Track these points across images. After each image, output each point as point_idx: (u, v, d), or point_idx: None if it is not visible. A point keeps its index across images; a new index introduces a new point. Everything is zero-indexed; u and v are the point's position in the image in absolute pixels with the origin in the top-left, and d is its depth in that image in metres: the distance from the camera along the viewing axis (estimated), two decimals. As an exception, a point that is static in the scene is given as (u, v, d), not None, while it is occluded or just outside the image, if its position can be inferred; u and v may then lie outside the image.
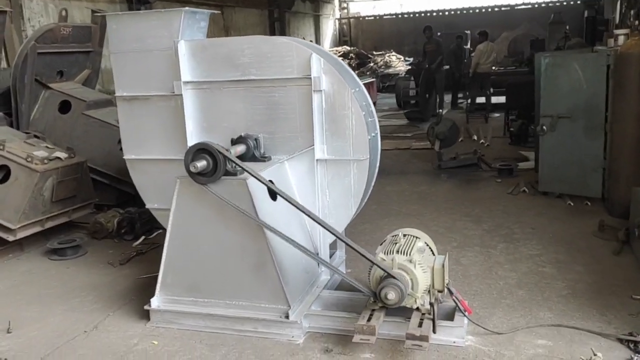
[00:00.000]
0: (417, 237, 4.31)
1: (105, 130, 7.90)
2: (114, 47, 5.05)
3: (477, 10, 28.09)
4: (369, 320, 3.99)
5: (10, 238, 6.05)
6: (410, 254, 4.03)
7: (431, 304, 3.98)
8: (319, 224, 4.19)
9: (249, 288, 4.31)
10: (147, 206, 5.32)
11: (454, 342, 3.99)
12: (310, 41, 15.94)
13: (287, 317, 4.19)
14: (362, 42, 29.92)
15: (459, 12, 28.39)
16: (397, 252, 4.05)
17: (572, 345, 3.97)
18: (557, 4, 26.28)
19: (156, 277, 4.59)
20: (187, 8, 4.85)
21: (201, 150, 4.14)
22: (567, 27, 15.83)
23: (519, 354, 3.91)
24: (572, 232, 6.25)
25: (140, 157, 5.19)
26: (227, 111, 4.89)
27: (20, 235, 6.09)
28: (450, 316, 4.18)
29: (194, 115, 4.96)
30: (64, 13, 8.31)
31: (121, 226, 6.71)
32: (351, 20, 31.01)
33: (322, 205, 4.83)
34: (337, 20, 30.66)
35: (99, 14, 8.62)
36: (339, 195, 4.78)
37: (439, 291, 4.03)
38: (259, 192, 4.25)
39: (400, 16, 29.89)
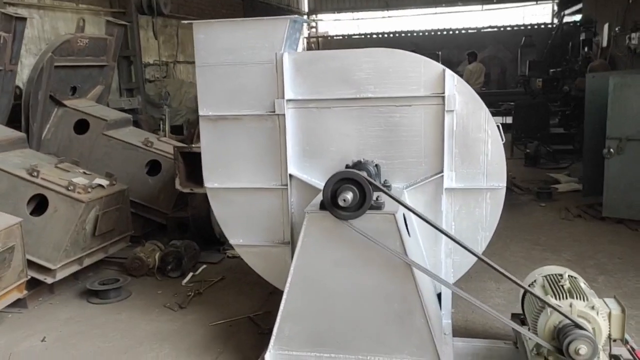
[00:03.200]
0: (576, 277, 3.80)
1: (128, 152, 7.09)
2: (200, 59, 4.34)
3: (445, 33, 28.34)
4: (541, 378, 3.43)
5: (49, 280, 5.17)
6: (587, 299, 3.50)
7: (614, 357, 3.46)
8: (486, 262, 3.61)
9: (390, 340, 3.67)
10: (230, 241, 4.58)
11: (639, 400, 3.48)
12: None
13: (440, 374, 3.57)
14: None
15: (427, 33, 28.57)
16: (571, 296, 3.52)
17: None
18: (523, 27, 26.81)
19: (231, 323, 4.07)
20: (292, 16, 4.22)
21: (346, 180, 3.49)
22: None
23: None
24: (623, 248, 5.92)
25: (226, 185, 4.47)
26: (336, 133, 4.26)
27: (60, 276, 5.24)
28: (623, 368, 3.67)
29: (295, 138, 4.31)
30: (81, 23, 7.46)
31: (166, 262, 5.89)
32: (320, 39, 30.72)
33: (446, 240, 4.25)
34: (305, 40, 30.29)
35: (116, 22, 7.81)
36: (467, 229, 4.22)
37: (618, 341, 3.52)
38: (404, 228, 3.64)
39: (368, 37, 29.82)
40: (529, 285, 3.91)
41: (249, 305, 5.17)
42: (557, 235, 6.87)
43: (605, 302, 3.59)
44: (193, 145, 6.44)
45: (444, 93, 4.03)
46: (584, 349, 3.28)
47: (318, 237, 3.69)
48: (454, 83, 4.04)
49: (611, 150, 6.84)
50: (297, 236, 4.34)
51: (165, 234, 6.89)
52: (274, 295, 5.31)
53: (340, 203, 3.40)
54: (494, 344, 4.06)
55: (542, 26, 26.23)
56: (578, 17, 24.22)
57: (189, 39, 17.22)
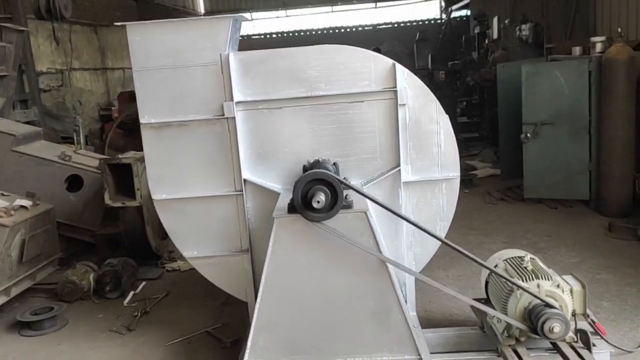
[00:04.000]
0: (534, 258, 3.95)
1: (44, 168, 6.56)
2: (137, 63, 4.05)
3: (343, 30, 28.83)
4: (519, 357, 3.54)
5: (-27, 317, 4.62)
6: (552, 278, 3.65)
7: (579, 331, 3.63)
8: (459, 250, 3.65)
9: (368, 340, 3.62)
10: (184, 254, 4.33)
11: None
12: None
13: (420, 368, 3.58)
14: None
15: (325, 32, 28.91)
16: (537, 277, 3.65)
17: None
18: (416, 23, 27.87)
19: (189, 340, 4.08)
20: (235, 15, 4.04)
21: (316, 180, 3.39)
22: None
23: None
24: (585, 235, 6.34)
25: (175, 196, 4.21)
26: (289, 134, 4.15)
27: (-14, 311, 4.69)
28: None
29: (247, 141, 4.14)
30: (-23, 29, 6.76)
31: (102, 283, 5.48)
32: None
33: (407, 232, 4.27)
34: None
35: (15, 28, 7.16)
36: (426, 221, 4.22)
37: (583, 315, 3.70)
38: (376, 225, 3.61)
39: (268, 36, 29.69)
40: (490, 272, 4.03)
41: (203, 319, 4.93)
42: (487, 219, 7.17)
43: (565, 280, 3.77)
44: (121, 156, 6.04)
45: (395, 87, 4.04)
46: (557, 327, 3.42)
47: (288, 242, 3.56)
48: (404, 77, 4.06)
49: (528, 135, 7.24)
50: (256, 243, 4.24)
51: (92, 253, 6.43)
52: (227, 305, 5.13)
53: (315, 205, 3.30)
54: (462, 331, 4.13)
55: (433, 21, 27.42)
56: (464, 12, 25.64)
57: (83, 45, 16.34)
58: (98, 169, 6.51)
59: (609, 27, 8.60)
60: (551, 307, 3.49)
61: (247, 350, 3.62)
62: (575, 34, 10.05)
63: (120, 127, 10.74)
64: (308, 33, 28.77)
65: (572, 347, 3.58)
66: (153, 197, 4.23)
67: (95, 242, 6.39)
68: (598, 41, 6.88)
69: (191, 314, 5.04)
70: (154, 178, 4.22)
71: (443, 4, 26.86)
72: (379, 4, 27.99)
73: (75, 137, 7.34)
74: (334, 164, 4.04)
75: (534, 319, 3.49)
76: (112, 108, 13.83)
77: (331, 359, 3.62)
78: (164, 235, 6.47)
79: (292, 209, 3.53)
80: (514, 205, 7.72)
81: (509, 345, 3.67)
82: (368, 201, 3.71)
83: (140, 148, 8.62)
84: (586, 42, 7.52)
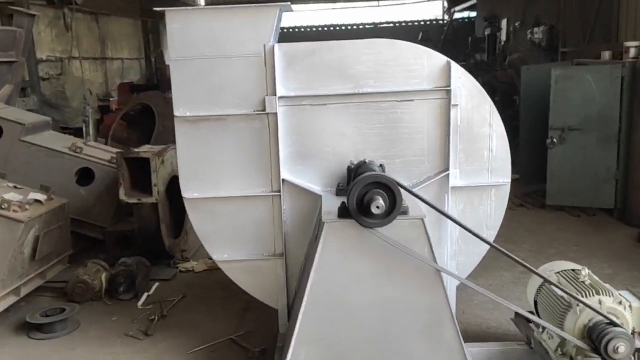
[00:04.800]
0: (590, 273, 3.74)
1: (54, 160, 6.25)
2: (175, 52, 3.78)
3: (344, 28, 28.59)
4: (577, 378, 3.33)
5: (-17, 317, 4.33)
6: (612, 294, 3.44)
7: (637, 350, 3.42)
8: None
9: (417, 354, 3.38)
10: (213, 257, 4.07)
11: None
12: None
13: (474, 386, 3.35)
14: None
15: (326, 29, 28.65)
16: (597, 292, 3.44)
17: None
18: (417, 23, 27.69)
19: (213, 348, 3.89)
20: (280, 3, 3.78)
21: (374, 184, 3.14)
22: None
23: None
24: (614, 245, 6.17)
25: (208, 195, 3.95)
26: (332, 132, 3.90)
27: (-4, 311, 4.39)
28: None
29: (287, 139, 3.88)
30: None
31: (116, 283, 5.19)
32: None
33: (451, 240, 4.04)
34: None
35: (25, 12, 6.83)
36: (471, 228, 4.02)
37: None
38: (430, 234, 3.37)
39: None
40: (542, 283, 3.82)
41: (224, 324, 4.67)
42: (509, 226, 6.85)
43: (628, 297, 3.56)
44: (139, 150, 5.75)
45: (449, 86, 3.81)
46: (622, 347, 3.21)
47: (338, 249, 3.31)
48: (458, 75, 3.83)
49: (554, 140, 7.05)
50: (290, 247, 4.00)
51: (101, 250, 6.13)
52: (249, 311, 4.89)
53: (374, 210, 3.05)
54: (507, 346, 3.93)
55: (435, 22, 27.25)
56: (466, 14, 25.52)
57: (84, 33, 15.92)
58: (111, 162, 6.25)
59: (634, 33, 8.42)
60: (615, 324, 3.28)
61: (288, 363, 3.37)
62: (594, 39, 9.87)
63: (123, 118, 10.46)
64: (308, 30, 28.54)
65: (630, 368, 3.38)
66: (184, 195, 3.96)
67: (105, 239, 6.09)
68: (632, 46, 6.70)
69: (211, 319, 4.78)
70: (186, 175, 3.95)
71: (446, 4, 26.75)
72: (380, 2, 27.76)
73: (84, 128, 7.03)
74: (381, 165, 3.81)
75: (596, 338, 3.27)
76: (110, 99, 13.50)
77: (378, 375, 3.39)
78: (176, 234, 6.23)
79: (344, 213, 3.29)
80: (535, 211, 7.53)
81: (566, 365, 3.47)
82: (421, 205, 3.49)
83: (142, 141, 8.43)
84: (616, 46, 7.34)
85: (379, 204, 3.05)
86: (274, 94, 3.79)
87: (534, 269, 3.53)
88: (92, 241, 6.27)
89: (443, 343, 3.37)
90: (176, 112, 3.87)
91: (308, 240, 3.99)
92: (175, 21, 3.75)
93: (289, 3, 3.79)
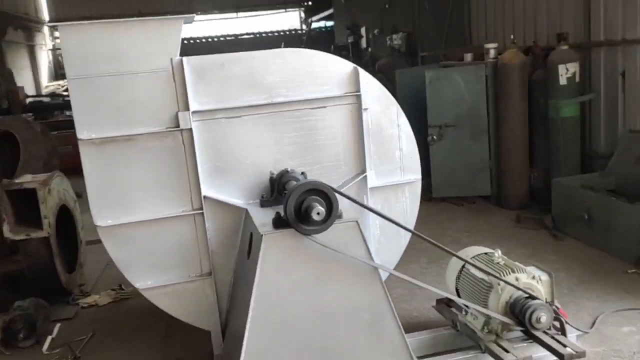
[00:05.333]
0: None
1: None
2: (74, 70, 3.53)
3: (204, 40, 28.20)
4: (505, 350, 3.62)
5: None
6: (525, 271, 3.78)
7: (557, 319, 3.78)
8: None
9: (362, 354, 3.45)
10: (136, 286, 3.83)
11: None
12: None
13: (417, 377, 3.49)
14: (82, 76, 26.86)
15: (186, 42, 28.05)
16: (512, 271, 3.76)
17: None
18: (277, 33, 28.12)
19: None
20: (184, 16, 3.68)
21: (310, 191, 3.16)
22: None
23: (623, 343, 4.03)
24: (498, 227, 6.75)
25: (123, 221, 3.72)
26: (249, 144, 3.87)
27: None
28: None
29: (204, 154, 3.78)
30: None
31: (13, 330, 4.68)
32: (64, 52, 27.73)
33: (373, 239, 4.18)
34: (50, 52, 27.06)
35: None
36: (390, 225, 4.18)
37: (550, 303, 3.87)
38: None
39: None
40: (462, 268, 4.09)
41: (148, 356, 4.42)
42: (402, 221, 7.33)
43: (537, 273, 3.92)
44: (21, 181, 5.24)
45: (359, 91, 3.96)
46: (544, 317, 3.55)
47: (278, 260, 3.28)
48: (366, 80, 3.99)
49: (434, 137, 7.55)
50: (217, 265, 3.89)
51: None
52: (171, 338, 4.67)
53: (315, 217, 3.07)
54: (436, 332, 4.12)
55: (294, 32, 27.87)
56: (323, 24, 26.43)
57: None
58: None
59: (485, 35, 9.31)
60: (534, 297, 3.61)
61: (237, 387, 3.27)
62: (450, 43, 10.75)
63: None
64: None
65: (547, 334, 3.73)
66: (97, 224, 3.70)
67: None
68: (492, 47, 7.38)
69: (131, 353, 4.49)
70: (97, 201, 3.69)
71: (303, 15, 27.50)
72: (239, 14, 27.79)
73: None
74: (302, 173, 3.85)
75: (519, 312, 3.58)
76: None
77: (325, 380, 3.41)
78: (70, 268, 5.77)
79: (279, 223, 3.28)
80: (423, 204, 7.92)
81: (491, 341, 3.74)
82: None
83: (4, 171, 7.68)
84: (476, 48, 8.05)
85: (319, 210, 3.08)
86: (187, 109, 3.68)
87: (455, 254, 3.78)
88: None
89: (385, 338, 3.47)
90: (79, 135, 3.60)
91: (234, 256, 3.92)
92: (71, 37, 3.51)
93: (194, 15, 3.71)
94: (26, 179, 5.34)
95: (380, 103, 4.06)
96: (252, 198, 3.90)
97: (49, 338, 4.78)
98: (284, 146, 3.93)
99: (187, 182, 3.78)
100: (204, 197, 3.79)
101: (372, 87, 4.02)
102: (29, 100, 16.53)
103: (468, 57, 7.92)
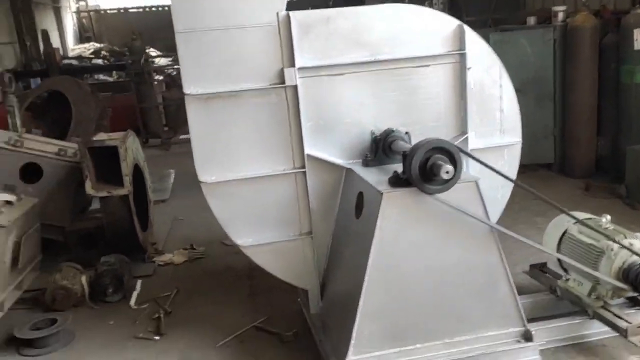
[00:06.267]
0: (606, 219, 3.96)
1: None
2: (182, 24, 3.46)
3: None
4: (617, 315, 3.56)
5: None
6: (638, 237, 3.69)
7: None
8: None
9: (474, 316, 3.42)
10: (237, 243, 3.81)
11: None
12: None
13: (528, 338, 3.46)
14: (108, 39, 26.79)
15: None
16: (625, 236, 3.67)
17: None
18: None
19: (241, 338, 3.86)
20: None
21: (435, 149, 3.10)
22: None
23: None
24: (567, 195, 6.61)
25: (226, 178, 3.69)
26: (350, 102, 3.78)
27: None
28: None
29: (307, 112, 3.71)
30: None
31: (102, 285, 4.73)
32: (92, 13, 27.65)
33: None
34: (74, 14, 26.90)
35: None
36: (487, 189, 4.02)
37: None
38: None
39: (147, 9, 27.77)
40: (564, 234, 4.01)
41: (237, 314, 4.43)
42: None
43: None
44: (102, 139, 5.23)
45: (464, 50, 3.84)
46: (661, 283, 3.46)
47: (397, 219, 3.24)
48: (471, 38, 3.86)
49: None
50: (317, 224, 3.85)
51: (60, 252, 5.54)
52: (256, 296, 4.70)
53: (444, 176, 3.02)
54: (535, 297, 4.07)
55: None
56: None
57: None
58: (59, 155, 5.64)
59: (542, 3, 9.05)
60: (652, 264, 3.53)
61: (352, 342, 3.27)
62: (498, 7, 10.47)
63: (28, 109, 9.46)
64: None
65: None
66: (201, 180, 3.68)
67: (65, 239, 5.51)
68: (560, 10, 7.15)
69: (220, 310, 4.51)
70: (201, 157, 3.67)
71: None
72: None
73: (10, 120, 6.24)
74: (406, 133, 3.77)
75: (635, 277, 3.50)
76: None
77: (438, 340, 3.38)
78: (143, 226, 5.79)
79: (397, 182, 3.23)
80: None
81: (600, 307, 3.68)
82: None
83: (54, 133, 7.67)
84: (541, 12, 7.82)
85: (448, 168, 3.02)
86: (292, 65, 3.60)
87: (566, 210, 3.70)
88: (48, 243, 5.63)
89: (498, 302, 3.45)
90: (186, 90, 3.56)
91: (333, 216, 3.89)
92: (180, -10, 3.42)
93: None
94: (104, 137, 5.32)
95: (483, 62, 3.94)
96: (353, 157, 3.83)
97: (135, 293, 4.83)
98: (386, 105, 3.84)
99: (290, 140, 3.72)
100: (307, 155, 3.73)
101: (476, 45, 3.90)
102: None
103: (531, 20, 7.68)
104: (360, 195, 3.51)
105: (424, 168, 3.09)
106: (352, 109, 3.80)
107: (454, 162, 3.11)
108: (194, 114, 3.59)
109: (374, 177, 3.46)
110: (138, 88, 11.46)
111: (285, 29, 3.56)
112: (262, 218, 3.79)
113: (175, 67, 13.67)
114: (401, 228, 3.25)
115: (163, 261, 5.52)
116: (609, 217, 3.85)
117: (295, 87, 3.62)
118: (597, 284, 3.70)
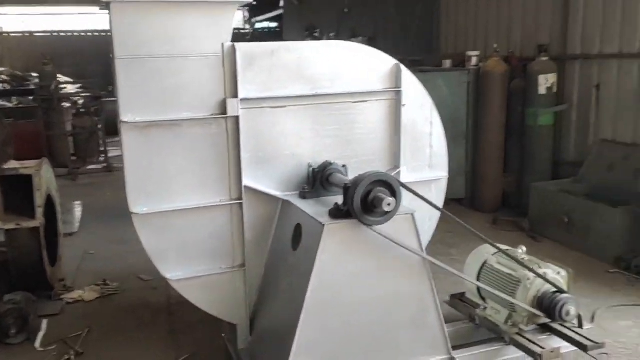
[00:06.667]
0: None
1: None
2: (124, 49, 3.35)
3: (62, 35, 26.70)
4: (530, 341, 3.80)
5: None
6: (550, 267, 3.98)
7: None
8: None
9: (405, 345, 3.48)
10: (167, 277, 3.67)
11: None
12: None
13: (453, 368, 3.59)
14: (10, 63, 25.30)
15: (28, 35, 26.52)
16: (539, 266, 3.95)
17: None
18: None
19: None
20: (240, 0, 3.61)
21: (377, 182, 3.19)
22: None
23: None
24: (477, 228, 6.53)
25: (160, 209, 3.57)
26: (289, 135, 3.82)
27: None
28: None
29: (247, 143, 3.70)
30: None
31: (4, 325, 4.36)
32: (-5, 36, 26.00)
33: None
34: (-29, 36, 25.21)
35: None
36: (417, 220, 4.24)
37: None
38: (418, 227, 3.53)
39: (55, 34, 26.59)
40: (483, 265, 4.24)
41: (158, 351, 4.25)
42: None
43: (554, 268, 4.13)
44: (15, 167, 4.89)
45: (400, 87, 4.02)
46: (572, 310, 3.75)
47: (336, 251, 3.26)
48: (406, 77, 4.06)
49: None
50: (249, 257, 3.81)
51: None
52: (178, 333, 4.53)
53: (386, 208, 3.10)
54: (454, 326, 4.23)
55: (237, 31, 27.57)
56: (266, 24, 26.40)
57: None
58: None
59: (454, 45, 9.66)
60: (562, 292, 3.81)
61: (288, 376, 3.23)
62: (414, 50, 11.05)
63: None
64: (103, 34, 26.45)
65: (564, 327, 3.94)
66: (132, 211, 3.52)
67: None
68: (474, 55, 7.67)
69: (139, 349, 4.30)
70: (135, 188, 3.51)
71: (247, 14, 27.23)
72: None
73: None
74: (344, 166, 3.86)
75: (549, 305, 3.76)
76: None
77: (372, 372, 3.44)
78: (54, 261, 5.45)
79: (337, 214, 3.28)
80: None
81: (515, 333, 3.91)
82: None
83: None
84: (455, 56, 8.34)
85: (390, 201, 3.11)
86: (236, 96, 3.60)
87: (490, 241, 3.93)
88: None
89: (427, 330, 3.55)
90: (123, 118, 3.42)
91: (266, 248, 3.87)
92: (124, 14, 3.33)
93: (251, 0, 3.64)
94: (15, 165, 5.00)
95: (417, 100, 4.15)
96: (290, 189, 3.85)
97: (40, 334, 4.49)
98: (324, 138, 3.91)
99: (228, 171, 3.69)
100: (245, 187, 3.71)
101: (411, 84, 4.10)
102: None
103: (447, 63, 8.18)
104: (299, 226, 3.53)
105: (365, 200, 3.17)
106: (292, 142, 3.83)
107: (394, 194, 3.22)
108: (129, 142, 3.45)
109: (313, 209, 3.49)
110: (47, 114, 10.88)
111: (230, 60, 3.56)
112: (194, 250, 3.68)
113: (84, 94, 13.19)
114: (340, 260, 3.28)
115: (72, 298, 5.19)
116: (524, 248, 4.12)
117: (236, 118, 3.61)
118: (513, 311, 3.92)
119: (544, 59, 7.04)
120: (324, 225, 3.22)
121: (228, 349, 4.09)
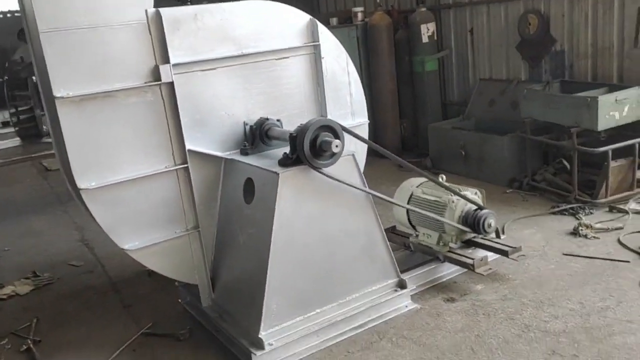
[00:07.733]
0: (439, 177, 4.71)
1: None
2: (45, 22, 3.27)
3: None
4: (462, 255, 4.32)
5: None
6: (469, 190, 4.48)
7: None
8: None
9: (360, 275, 3.86)
10: (124, 248, 3.69)
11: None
12: None
13: (402, 286, 4.01)
14: None
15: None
16: (460, 190, 4.43)
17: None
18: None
19: (132, 347, 3.82)
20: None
21: (322, 127, 3.42)
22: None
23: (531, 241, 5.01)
24: (386, 172, 7.46)
25: (107, 182, 3.57)
26: (223, 96, 3.94)
27: None
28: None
29: (183, 108, 3.77)
30: None
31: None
32: None
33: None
34: None
35: None
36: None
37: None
38: (359, 166, 3.84)
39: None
40: (411, 196, 4.66)
41: (119, 326, 4.25)
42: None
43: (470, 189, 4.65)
44: None
45: (318, 41, 4.25)
46: (493, 222, 4.29)
47: (292, 197, 3.51)
48: (321, 31, 4.29)
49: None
50: (201, 217, 3.93)
51: None
52: (131, 307, 4.57)
53: (334, 150, 3.37)
54: (394, 254, 4.64)
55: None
56: None
57: None
58: None
59: (334, 3, 10.02)
60: (482, 208, 4.33)
61: (262, 318, 3.46)
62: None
63: None
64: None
65: (486, 239, 4.51)
66: (80, 187, 3.51)
67: None
68: (359, 11, 8.05)
69: (97, 327, 4.27)
70: (79, 164, 3.50)
71: None
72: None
73: None
74: (278, 120, 4.06)
75: (473, 221, 4.27)
76: None
77: (334, 302, 3.76)
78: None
79: (287, 162, 3.50)
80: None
81: (447, 251, 4.41)
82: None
83: None
84: (340, 13, 8.67)
85: (338, 142, 3.38)
86: (167, 62, 3.64)
87: (425, 173, 4.36)
88: None
89: (378, 259, 3.94)
90: (56, 93, 3.37)
91: (216, 207, 4.00)
92: (44, -14, 3.23)
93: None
94: None
95: (332, 52, 4.40)
96: (230, 149, 4.00)
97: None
98: (255, 96, 4.07)
99: (169, 137, 3.75)
100: (188, 150, 3.79)
101: (326, 37, 4.34)
102: None
103: (334, 21, 8.49)
104: (250, 181, 3.70)
105: (313, 145, 3.41)
106: (226, 102, 3.95)
107: (338, 137, 3.49)
108: (66, 118, 3.40)
109: (261, 162, 3.68)
110: None
111: (156, 26, 3.59)
112: (147, 219, 3.75)
113: None
114: (296, 204, 3.53)
115: (5, 294, 4.96)
116: (444, 176, 4.59)
117: (171, 84, 3.66)
118: (443, 232, 4.41)
119: (423, 9, 7.57)
120: (278, 174, 3.43)
121: (188, 311, 4.20)
